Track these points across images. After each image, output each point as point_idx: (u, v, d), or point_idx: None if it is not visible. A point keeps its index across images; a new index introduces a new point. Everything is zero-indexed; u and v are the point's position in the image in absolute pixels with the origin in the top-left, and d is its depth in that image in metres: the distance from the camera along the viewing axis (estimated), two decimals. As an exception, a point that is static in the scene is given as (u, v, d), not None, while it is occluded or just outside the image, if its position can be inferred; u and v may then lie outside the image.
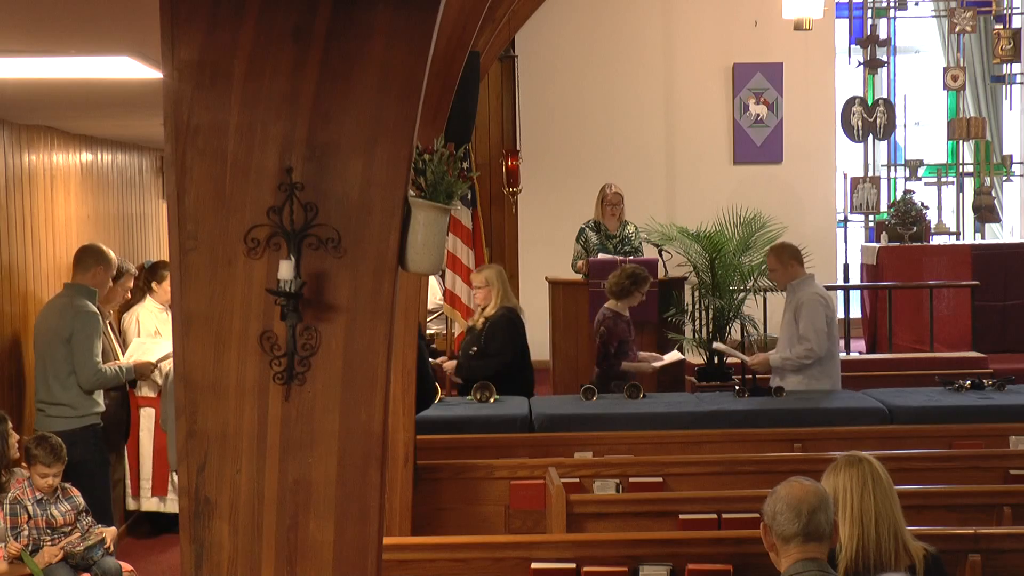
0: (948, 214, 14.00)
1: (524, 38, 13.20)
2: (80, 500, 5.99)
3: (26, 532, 5.75)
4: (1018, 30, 13.61)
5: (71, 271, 6.83)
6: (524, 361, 8.23)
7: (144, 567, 7.05)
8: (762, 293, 9.73)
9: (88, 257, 6.72)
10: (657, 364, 8.36)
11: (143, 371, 7.23)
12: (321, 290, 2.76)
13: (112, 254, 6.86)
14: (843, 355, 11.39)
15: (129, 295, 7.70)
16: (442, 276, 10.24)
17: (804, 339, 7.61)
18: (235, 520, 2.80)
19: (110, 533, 6.07)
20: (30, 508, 5.78)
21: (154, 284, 7.93)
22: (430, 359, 6.77)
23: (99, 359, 6.66)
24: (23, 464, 5.93)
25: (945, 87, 13.65)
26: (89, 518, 5.99)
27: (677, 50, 13.55)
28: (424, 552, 4.85)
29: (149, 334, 7.73)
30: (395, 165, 2.76)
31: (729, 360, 8.99)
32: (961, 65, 13.68)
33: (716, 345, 8.35)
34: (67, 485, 5.97)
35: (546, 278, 9.94)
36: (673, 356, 8.56)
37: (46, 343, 6.55)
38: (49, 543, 5.79)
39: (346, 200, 2.75)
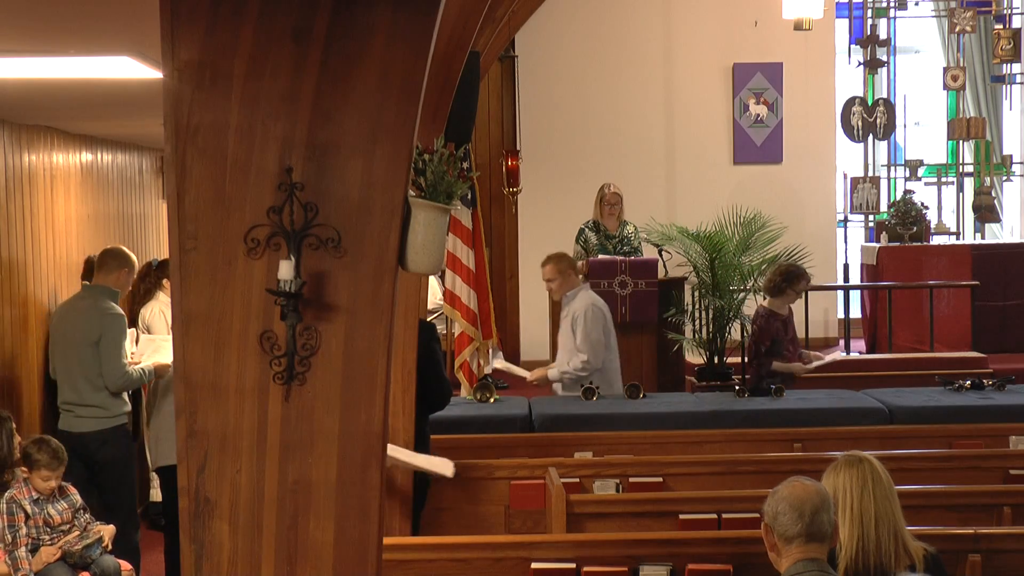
0: (948, 214, 13.99)
1: (524, 38, 13.20)
2: (77, 498, 5.97)
3: (24, 531, 5.74)
4: (1018, 30, 13.60)
5: (81, 271, 6.83)
6: None
7: (144, 566, 7.03)
8: (762, 293, 9.71)
9: (112, 260, 6.74)
10: (814, 364, 8.05)
11: (162, 373, 7.23)
12: (321, 290, 2.76)
13: (134, 257, 6.88)
14: (843, 355, 11.43)
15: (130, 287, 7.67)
16: (442, 276, 10.23)
17: (580, 352, 7.58)
18: (235, 520, 2.80)
19: (108, 531, 6.05)
20: (27, 508, 5.76)
21: (165, 281, 7.93)
22: None
23: (126, 361, 6.67)
24: (22, 468, 5.91)
25: (945, 87, 13.65)
26: (87, 516, 5.97)
27: (677, 50, 13.54)
28: (424, 552, 4.85)
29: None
30: (395, 165, 2.76)
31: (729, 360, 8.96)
32: (961, 65, 13.68)
33: (495, 364, 8.00)
34: (65, 484, 5.94)
35: (546, 278, 9.90)
36: (834, 356, 8.23)
37: (73, 345, 6.54)
38: (48, 542, 5.78)
39: (346, 200, 2.75)
